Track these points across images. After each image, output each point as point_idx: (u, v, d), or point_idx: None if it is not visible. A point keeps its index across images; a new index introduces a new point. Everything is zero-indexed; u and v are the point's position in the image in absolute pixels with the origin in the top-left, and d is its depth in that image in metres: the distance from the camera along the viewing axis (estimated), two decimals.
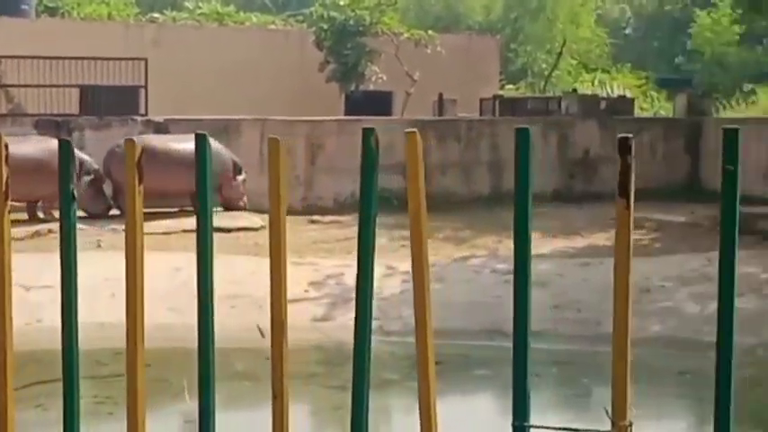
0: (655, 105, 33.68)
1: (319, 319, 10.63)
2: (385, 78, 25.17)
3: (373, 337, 9.24)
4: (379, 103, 25.61)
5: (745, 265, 12.08)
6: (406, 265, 10.90)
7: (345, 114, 24.56)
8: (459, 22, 41.09)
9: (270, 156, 2.35)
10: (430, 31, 27.10)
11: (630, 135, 2.31)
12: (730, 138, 2.33)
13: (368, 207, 2.33)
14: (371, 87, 25.83)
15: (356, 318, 2.52)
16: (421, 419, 2.46)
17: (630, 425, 2.42)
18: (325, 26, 25.99)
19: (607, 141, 19.51)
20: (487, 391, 9.07)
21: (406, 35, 25.98)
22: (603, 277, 11.10)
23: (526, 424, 2.42)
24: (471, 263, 12.80)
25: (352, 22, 25.76)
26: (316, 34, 26.20)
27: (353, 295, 9.15)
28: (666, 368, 9.07)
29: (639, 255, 14.42)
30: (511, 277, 9.58)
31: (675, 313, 10.33)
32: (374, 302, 9.56)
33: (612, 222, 9.98)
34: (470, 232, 14.82)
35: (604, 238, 13.73)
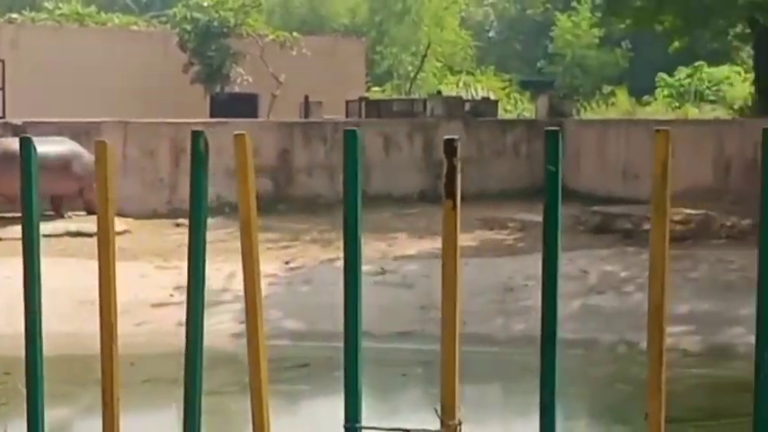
0: (518, 107, 34.39)
1: (184, 323, 10.23)
2: (251, 80, 25.17)
3: (233, 340, 9.17)
4: (245, 105, 25.58)
5: (606, 264, 12.54)
6: (272, 268, 10.89)
7: (210, 116, 24.30)
8: (324, 25, 41.32)
9: (96, 159, 2.24)
10: (295, 33, 27.18)
11: (456, 137, 2.33)
12: (551, 139, 2.35)
13: (198, 211, 2.25)
14: (237, 89, 25.85)
15: (187, 323, 2.47)
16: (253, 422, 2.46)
17: (460, 424, 2.40)
18: (189, 27, 25.85)
19: (472, 143, 19.84)
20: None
21: (270, 37, 26.05)
22: (468, 277, 11.31)
23: (357, 425, 2.42)
24: (338, 264, 12.83)
25: (216, 23, 25.71)
26: (179, 36, 26.05)
27: (218, 299, 9.08)
28: (532, 366, 9.27)
29: (504, 254, 14.85)
30: (377, 278, 9.69)
31: (539, 312, 10.59)
32: (234, 306, 9.47)
33: (478, 223, 10.28)
34: (336, 234, 14.87)
35: (469, 239, 14.03)
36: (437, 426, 2.32)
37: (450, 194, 2.36)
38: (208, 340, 2.60)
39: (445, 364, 2.45)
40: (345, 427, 2.40)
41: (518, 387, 8.65)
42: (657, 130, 2.26)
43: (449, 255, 2.44)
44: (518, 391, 8.57)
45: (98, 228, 2.38)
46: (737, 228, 14.85)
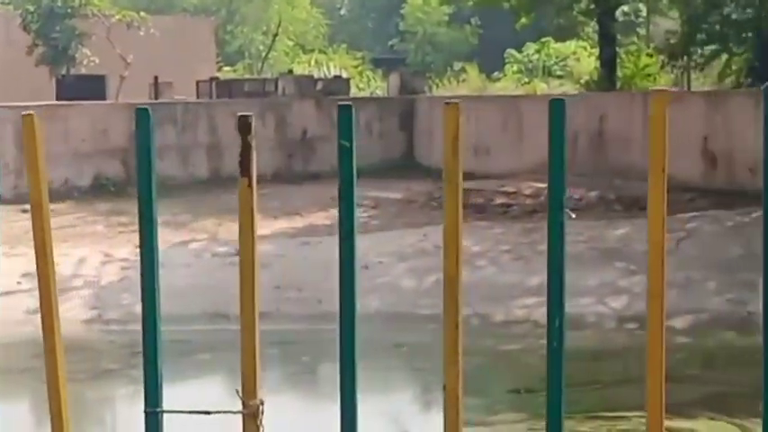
0: (371, 85, 34.48)
1: (33, 311, 10.10)
2: (97, 61, 24.69)
3: (93, 327, 8.92)
4: (93, 87, 25.16)
5: None
6: (125, 252, 10.61)
7: (57, 99, 23.89)
8: (173, 5, 40.64)
9: None
10: (142, 13, 26.63)
11: (251, 114, 2.29)
12: (344, 114, 2.38)
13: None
14: (84, 71, 25.33)
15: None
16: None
17: (262, 404, 2.40)
18: (32, 8, 25.15)
19: (324, 121, 19.98)
20: (212, 374, 9.09)
21: (117, 17, 25.44)
22: (323, 256, 11.33)
23: (158, 410, 2.39)
24: (192, 247, 12.92)
25: (59, 3, 25.11)
26: (22, 17, 25.36)
27: (68, 285, 8.76)
28: (384, 342, 9.39)
29: (359, 232, 14.91)
30: (232, 260, 9.53)
31: (394, 288, 10.70)
32: (83, 292, 9.21)
33: (333, 201, 10.13)
34: (189, 216, 14.85)
35: (324, 218, 14.11)
36: (239, 406, 2.32)
37: (246, 172, 2.33)
38: (64, 326, 2.53)
39: (245, 346, 2.44)
40: (146, 412, 2.37)
41: (375, 364, 8.75)
42: (447, 104, 2.22)
43: (246, 232, 2.43)
44: (373, 367, 8.68)
45: None
46: (585, 200, 15.31)
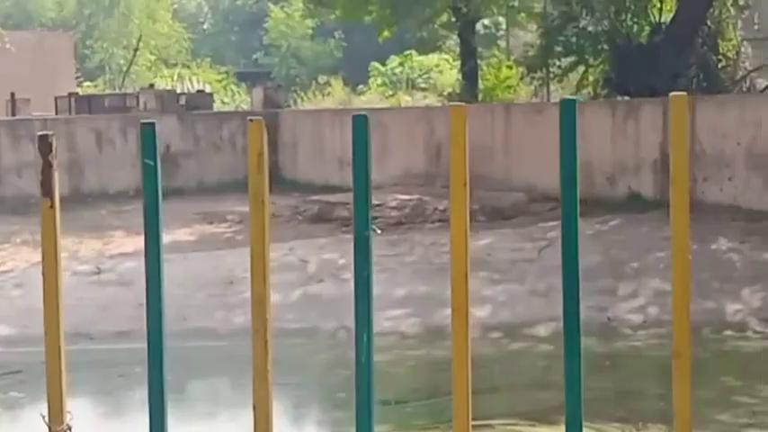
0: (236, 99, 34.71)
1: None
2: None
3: None
4: None
5: (325, 252, 12.89)
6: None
7: None
8: (31, 19, 40.10)
9: None
10: None
11: (51, 133, 2.19)
12: (147, 133, 2.26)
13: None
14: None
15: None
16: None
17: (69, 429, 2.30)
18: None
19: (188, 136, 20.07)
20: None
21: None
22: (186, 273, 11.08)
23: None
24: None
25: None
26: None
27: None
28: (245, 356, 9.27)
29: (224, 247, 14.85)
30: (94, 279, 9.18)
31: None
32: None
33: (197, 217, 9.94)
34: None
35: (189, 233, 13.92)
36: None
37: (48, 193, 2.20)
38: None
39: (50, 371, 2.36)
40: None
41: (241, 381, 8.60)
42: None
43: (49, 256, 2.31)
44: (240, 384, 8.56)
45: None
46: (450, 211, 15.58)
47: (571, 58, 20.73)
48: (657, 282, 9.96)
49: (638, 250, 11.35)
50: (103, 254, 13.50)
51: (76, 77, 31.84)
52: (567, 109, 2.19)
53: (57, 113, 23.27)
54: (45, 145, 2.22)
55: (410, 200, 16.59)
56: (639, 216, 13.34)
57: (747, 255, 11.08)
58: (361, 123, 2.28)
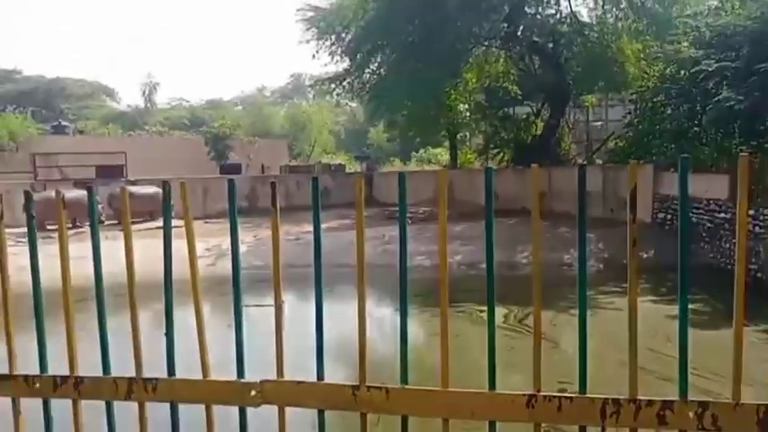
0: (353, 167, 51.82)
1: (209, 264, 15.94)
2: None
3: None
4: None
5: (392, 231, 17.28)
6: None
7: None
8: (268, 131, 63.70)
9: None
10: None
11: (276, 182, 3.56)
12: (313, 181, 3.58)
13: None
14: None
15: None
16: None
17: (283, 302, 3.20)
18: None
19: (333, 182, 34.63)
20: None
21: None
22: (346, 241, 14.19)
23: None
24: None
25: None
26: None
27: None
28: None
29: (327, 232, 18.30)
30: (296, 242, 23.31)
31: None
32: None
33: (333, 215, 30.97)
34: None
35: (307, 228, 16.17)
36: None
37: (273, 205, 3.41)
38: None
39: (274, 279, 3.56)
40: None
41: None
42: None
43: (275, 234, 3.57)
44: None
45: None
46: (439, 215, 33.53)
47: (497, 150, 37.45)
48: None
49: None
50: (299, 232, 21.43)
51: (289, 158, 53.52)
52: (489, 173, 3.38)
53: (280, 173, 41.82)
54: (273, 187, 3.51)
55: (427, 210, 26.93)
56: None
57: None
58: (403, 177, 3.48)
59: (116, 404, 3.77)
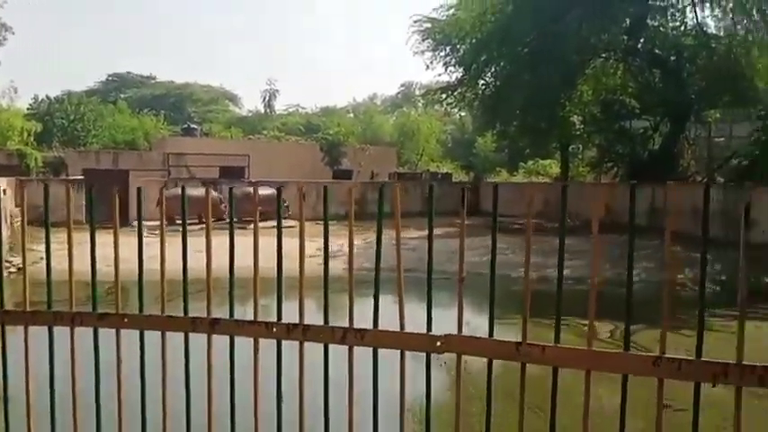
0: (461, 176, 54.41)
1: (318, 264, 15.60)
2: None
3: None
4: None
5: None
6: None
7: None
8: (377, 138, 64.44)
9: None
10: None
11: (398, 185, 3.74)
12: (430, 189, 4.13)
13: None
14: None
15: None
16: None
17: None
18: None
19: (438, 188, 36.60)
20: None
21: None
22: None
23: None
24: None
25: None
26: None
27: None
28: None
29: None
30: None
31: None
32: None
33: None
34: None
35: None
36: None
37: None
38: None
39: (375, 280, 4.21)
40: None
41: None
42: None
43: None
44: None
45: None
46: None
47: (611, 164, 37.09)
48: None
49: None
50: (405, 237, 28.99)
51: (398, 165, 55.23)
52: (564, 190, 4.24)
53: (388, 179, 43.58)
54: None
55: (535, 222, 33.35)
56: None
57: None
58: (495, 188, 4.34)
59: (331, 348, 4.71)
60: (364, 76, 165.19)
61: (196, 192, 24.54)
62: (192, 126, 57.19)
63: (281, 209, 4.78)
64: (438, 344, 4.41)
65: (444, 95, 41.05)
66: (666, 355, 4.02)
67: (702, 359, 3.97)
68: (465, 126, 70.57)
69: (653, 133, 35.75)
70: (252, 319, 4.85)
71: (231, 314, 4.89)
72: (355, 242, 4.79)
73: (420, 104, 71.70)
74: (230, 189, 5.27)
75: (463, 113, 62.62)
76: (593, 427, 4.17)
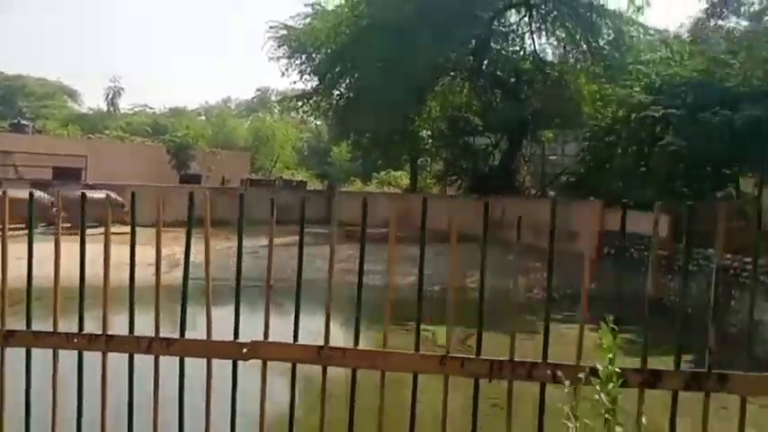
0: (316, 184, 53.39)
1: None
2: None
3: None
4: None
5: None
6: None
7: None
8: (231, 143, 61.34)
9: None
10: None
11: (243, 193, 4.00)
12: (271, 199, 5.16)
13: None
14: None
15: None
16: None
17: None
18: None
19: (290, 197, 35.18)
20: None
21: None
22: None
23: None
24: None
25: None
26: None
27: None
28: None
29: None
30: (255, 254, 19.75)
31: None
32: None
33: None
34: None
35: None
36: None
37: (189, 218, 3.68)
38: None
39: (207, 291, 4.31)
40: None
41: None
42: None
43: (240, 239, 4.19)
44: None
45: None
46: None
47: (455, 177, 38.73)
48: None
49: None
50: (256, 245, 25.81)
51: (251, 171, 53.18)
52: (424, 203, 4.59)
53: (240, 186, 40.91)
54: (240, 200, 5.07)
55: (384, 231, 35.02)
56: None
57: None
58: (366, 200, 4.41)
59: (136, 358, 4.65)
60: (219, 78, 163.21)
61: (21, 194, 24.89)
62: (23, 122, 52.97)
63: (112, 213, 4.67)
64: (244, 350, 4.54)
65: (300, 103, 41.39)
66: (451, 355, 4.43)
67: (481, 357, 4.43)
68: (321, 135, 70.33)
69: (493, 150, 38.09)
70: (52, 330, 4.72)
71: (28, 325, 4.73)
72: (201, 249, 4.68)
73: (276, 110, 70.81)
74: (58, 191, 5.20)
75: (319, 122, 62.63)
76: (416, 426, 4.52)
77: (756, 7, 29.85)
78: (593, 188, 27.21)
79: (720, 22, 30.45)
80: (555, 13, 33.71)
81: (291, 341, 4.61)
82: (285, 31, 38.68)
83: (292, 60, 38.37)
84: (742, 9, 30.17)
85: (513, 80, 35.62)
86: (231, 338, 4.60)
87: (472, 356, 4.40)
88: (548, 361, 4.35)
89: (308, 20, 38.27)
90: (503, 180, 34.27)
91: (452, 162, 39.18)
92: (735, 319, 15.52)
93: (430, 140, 38.98)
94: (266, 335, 4.55)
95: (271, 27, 38.93)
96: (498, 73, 35.36)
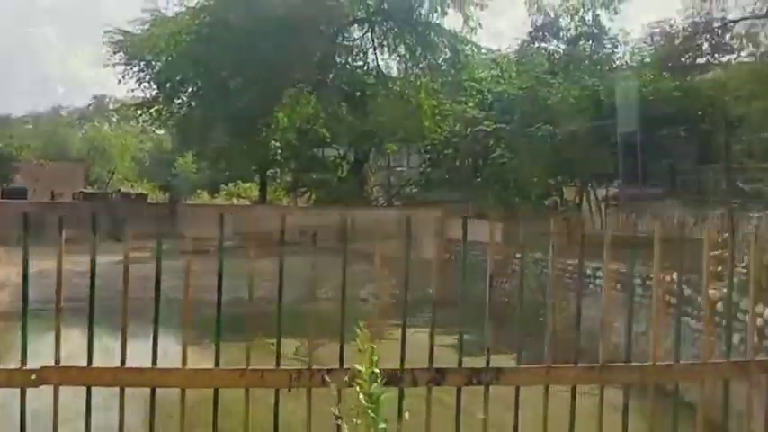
0: (159, 197, 51.17)
1: None
2: None
3: None
4: None
5: None
6: None
7: None
8: (64, 155, 56.73)
9: None
10: None
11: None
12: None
13: None
14: None
15: None
16: None
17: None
18: None
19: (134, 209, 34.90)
20: None
21: None
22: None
23: None
24: None
25: None
26: None
27: None
28: None
29: None
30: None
31: None
32: None
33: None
34: None
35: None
36: None
37: (60, 231, 3.44)
38: None
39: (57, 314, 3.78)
40: None
41: None
42: None
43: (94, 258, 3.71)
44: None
45: None
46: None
47: (304, 188, 39.49)
48: None
49: None
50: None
51: (86, 184, 49.79)
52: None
53: (73, 199, 39.29)
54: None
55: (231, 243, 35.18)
56: None
57: None
58: (222, 216, 4.35)
59: None
60: (50, 83, 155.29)
61: None
62: None
63: None
64: (33, 377, 4.13)
65: (140, 112, 40.17)
66: (251, 368, 4.36)
67: (280, 367, 4.43)
68: (164, 145, 67.21)
69: (341, 161, 38.90)
70: None
71: None
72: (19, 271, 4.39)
73: (114, 119, 67.35)
74: None
75: (161, 132, 59.82)
76: None
77: (573, 33, 32.56)
78: (435, 199, 28.60)
79: (543, 45, 32.91)
80: (396, 29, 34.71)
81: (86, 364, 4.29)
82: (121, 37, 37.42)
83: (130, 67, 37.24)
84: (561, 33, 32.81)
85: (357, 93, 36.27)
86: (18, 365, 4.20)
87: (271, 367, 4.41)
88: (344, 366, 4.37)
89: (146, 26, 37.20)
90: (351, 191, 34.94)
91: (302, 173, 39.47)
92: (562, 317, 16.90)
93: (279, 152, 38.95)
94: (57, 360, 4.21)
95: (106, 32, 37.75)
96: (343, 86, 35.89)
